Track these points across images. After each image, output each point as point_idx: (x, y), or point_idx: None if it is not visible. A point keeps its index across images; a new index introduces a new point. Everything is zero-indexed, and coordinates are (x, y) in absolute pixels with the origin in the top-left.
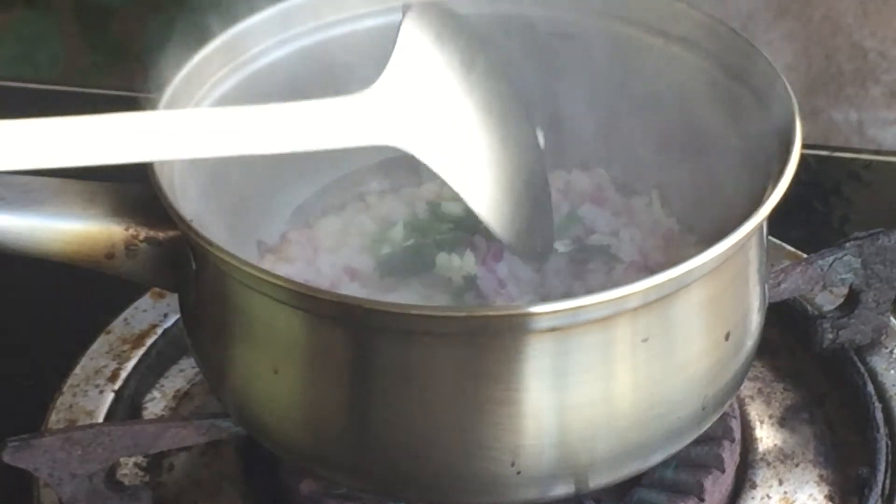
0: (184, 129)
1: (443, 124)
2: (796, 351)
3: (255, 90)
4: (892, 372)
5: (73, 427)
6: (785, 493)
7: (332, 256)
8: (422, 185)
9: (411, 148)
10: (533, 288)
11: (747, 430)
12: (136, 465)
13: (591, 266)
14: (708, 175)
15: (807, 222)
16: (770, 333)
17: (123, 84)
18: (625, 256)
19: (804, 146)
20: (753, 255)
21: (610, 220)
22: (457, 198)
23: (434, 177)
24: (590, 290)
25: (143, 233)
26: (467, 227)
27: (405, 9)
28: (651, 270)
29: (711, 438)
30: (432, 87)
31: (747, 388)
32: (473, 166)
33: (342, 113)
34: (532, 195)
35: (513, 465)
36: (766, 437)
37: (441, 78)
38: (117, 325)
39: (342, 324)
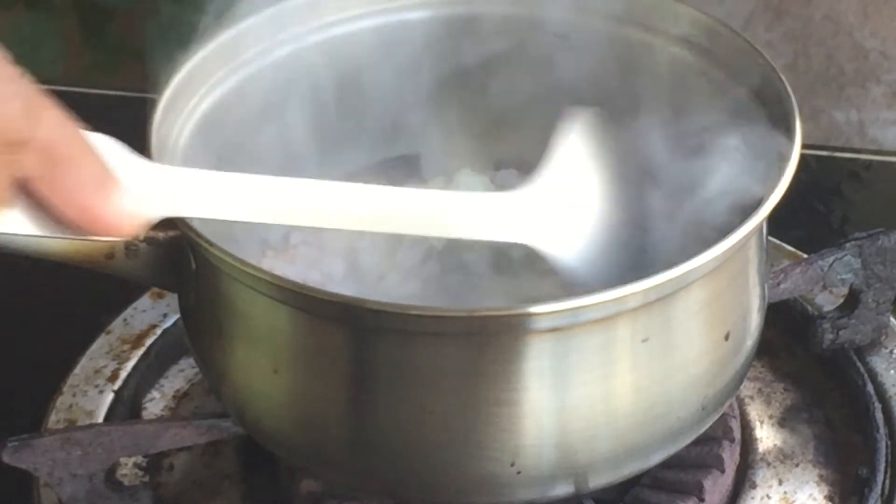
0: (345, 200)
1: (579, 225)
2: (796, 351)
3: (255, 90)
4: (892, 372)
5: (73, 427)
6: (785, 493)
7: (335, 257)
8: (427, 184)
9: (548, 249)
10: None
11: (747, 430)
12: (136, 465)
13: None
14: (708, 175)
15: (807, 222)
16: (770, 333)
17: (123, 84)
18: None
19: (804, 146)
20: (753, 255)
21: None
22: None
23: (435, 176)
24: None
25: (142, 233)
26: None
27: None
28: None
29: (711, 438)
30: (578, 192)
31: (747, 389)
32: (593, 253)
33: (494, 208)
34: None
35: (512, 465)
36: (766, 437)
37: (586, 182)
38: (117, 326)
39: (342, 324)
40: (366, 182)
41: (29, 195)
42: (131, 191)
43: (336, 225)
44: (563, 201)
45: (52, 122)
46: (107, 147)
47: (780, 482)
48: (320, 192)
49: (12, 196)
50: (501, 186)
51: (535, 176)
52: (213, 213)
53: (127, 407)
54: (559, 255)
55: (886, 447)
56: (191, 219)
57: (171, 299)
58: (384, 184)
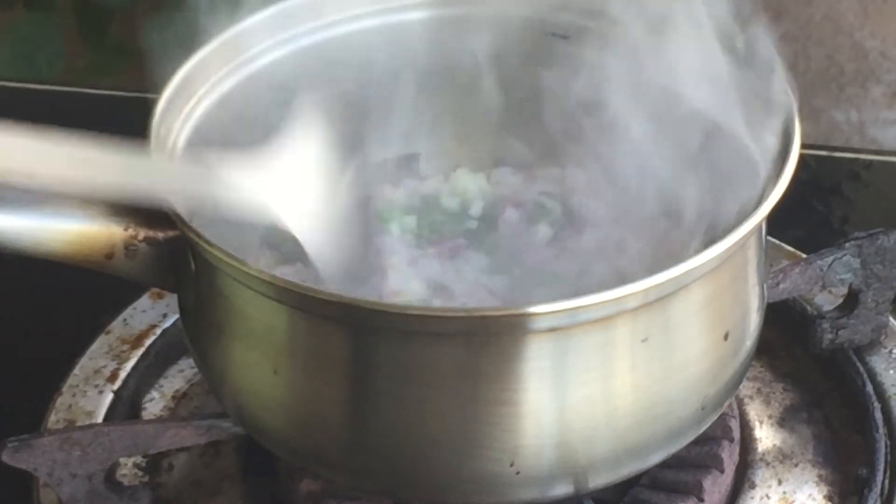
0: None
1: (307, 198)
2: (795, 351)
3: (254, 90)
4: (892, 372)
5: (73, 427)
6: (784, 493)
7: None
8: (424, 182)
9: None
10: None
11: (746, 430)
12: (136, 465)
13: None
14: (707, 174)
15: (806, 222)
16: (769, 333)
17: (123, 84)
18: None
19: (804, 146)
20: (753, 255)
21: (602, 212)
22: (456, 193)
23: (434, 175)
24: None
25: (142, 233)
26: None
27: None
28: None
29: (711, 438)
30: (307, 166)
31: (746, 388)
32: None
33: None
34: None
35: (512, 465)
36: (766, 437)
37: (315, 159)
38: (116, 326)
39: (342, 324)
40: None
41: None
42: None
43: (76, 189)
44: (299, 176)
45: None
46: None
47: (780, 482)
48: (49, 150)
49: None
50: (497, 184)
51: (270, 152)
52: None
53: (126, 407)
54: (296, 229)
55: (886, 447)
56: (190, 219)
57: (171, 299)
58: (384, 183)
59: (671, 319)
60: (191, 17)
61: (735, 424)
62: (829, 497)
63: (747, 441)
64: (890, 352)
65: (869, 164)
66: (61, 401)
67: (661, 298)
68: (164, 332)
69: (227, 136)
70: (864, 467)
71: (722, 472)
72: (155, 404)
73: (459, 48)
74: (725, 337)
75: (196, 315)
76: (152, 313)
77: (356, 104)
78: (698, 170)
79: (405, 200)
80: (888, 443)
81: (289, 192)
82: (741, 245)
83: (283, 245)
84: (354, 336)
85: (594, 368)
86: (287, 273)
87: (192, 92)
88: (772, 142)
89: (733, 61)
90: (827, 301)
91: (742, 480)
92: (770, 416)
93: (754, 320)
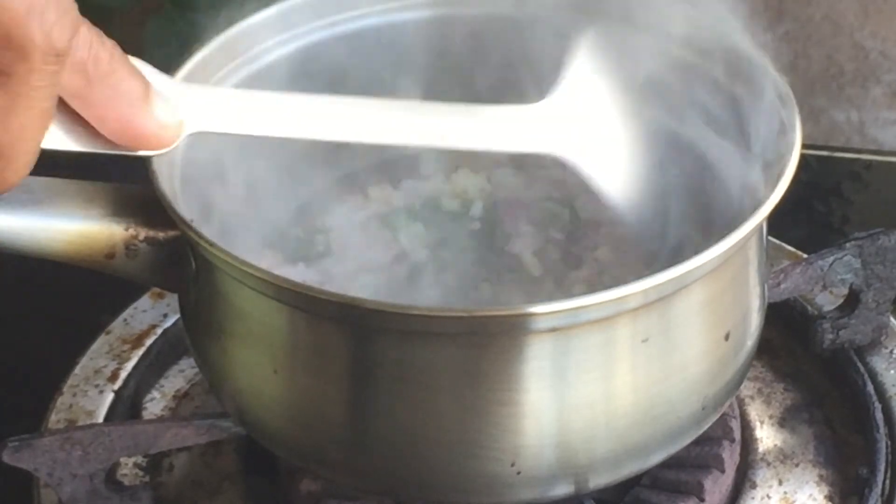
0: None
1: (601, 136)
2: (796, 351)
3: (256, 89)
4: (892, 372)
5: (73, 427)
6: (785, 493)
7: (336, 257)
8: (425, 182)
9: (572, 158)
10: None
11: (747, 430)
12: (136, 465)
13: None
14: (707, 175)
15: (807, 222)
16: (770, 333)
17: None
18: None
19: (804, 146)
20: (753, 255)
21: (604, 209)
22: (458, 195)
23: (434, 175)
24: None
25: (143, 233)
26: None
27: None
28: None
29: (711, 438)
30: (596, 103)
31: (747, 389)
32: (618, 168)
33: (518, 119)
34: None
35: (513, 465)
36: (766, 437)
37: (603, 95)
38: (117, 326)
39: (342, 324)
40: (370, 181)
41: (68, 110)
42: (168, 104)
43: (362, 138)
44: (585, 110)
45: (89, 37)
46: (138, 66)
47: (780, 482)
48: (348, 106)
49: (52, 111)
50: (498, 185)
51: (554, 90)
52: (243, 127)
53: (127, 407)
54: (585, 164)
55: (886, 447)
56: (191, 219)
57: (172, 299)
58: (384, 184)
59: (672, 320)
60: (191, 17)
61: (736, 424)
62: (829, 497)
63: (748, 441)
64: (891, 352)
65: (869, 164)
66: (62, 401)
67: (662, 299)
68: (165, 331)
69: (228, 136)
70: (865, 467)
71: (723, 472)
72: (155, 404)
73: (459, 48)
74: (726, 337)
75: (196, 315)
76: (153, 313)
77: None
78: (699, 170)
79: (405, 202)
80: (889, 443)
81: (578, 132)
82: (742, 245)
83: (285, 245)
84: (354, 336)
85: (595, 369)
86: (288, 273)
87: None
88: (772, 142)
89: (733, 62)
90: (828, 301)
91: (743, 480)
92: (771, 417)
93: (755, 320)
